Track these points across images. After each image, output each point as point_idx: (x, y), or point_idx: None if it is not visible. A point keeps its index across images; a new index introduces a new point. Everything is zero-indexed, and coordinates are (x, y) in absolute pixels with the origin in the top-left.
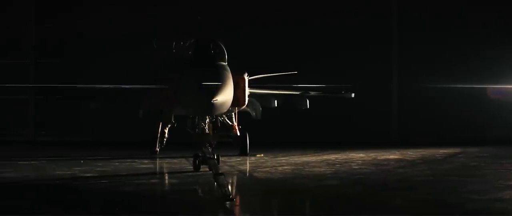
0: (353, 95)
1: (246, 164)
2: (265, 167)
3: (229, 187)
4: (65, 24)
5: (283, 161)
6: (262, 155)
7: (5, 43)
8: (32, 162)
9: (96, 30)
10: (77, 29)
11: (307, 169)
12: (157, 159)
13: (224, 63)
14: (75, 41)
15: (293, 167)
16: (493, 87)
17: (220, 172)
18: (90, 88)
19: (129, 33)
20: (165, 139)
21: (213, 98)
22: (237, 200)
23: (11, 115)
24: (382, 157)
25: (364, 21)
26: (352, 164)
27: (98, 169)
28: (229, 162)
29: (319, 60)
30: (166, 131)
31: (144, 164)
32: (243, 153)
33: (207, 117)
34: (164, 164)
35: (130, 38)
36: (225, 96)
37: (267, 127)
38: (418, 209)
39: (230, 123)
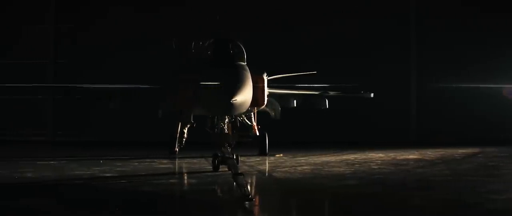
0: (372, 95)
1: (265, 164)
2: (284, 167)
3: (248, 187)
4: (82, 24)
5: (302, 161)
6: (281, 155)
7: (23, 43)
8: (51, 162)
9: (113, 30)
10: (96, 29)
11: (326, 169)
12: (176, 159)
13: (243, 63)
14: (93, 41)
15: (312, 167)
16: (510, 87)
17: (239, 172)
18: (109, 88)
19: (147, 33)
20: (184, 139)
21: (232, 98)
22: (256, 200)
23: (29, 115)
24: (401, 157)
25: (382, 22)
26: (371, 164)
27: (117, 169)
28: (248, 162)
29: (338, 60)
30: (185, 131)
31: (163, 164)
32: (262, 153)
33: (226, 117)
34: (183, 164)
35: (148, 38)
36: (245, 96)
37: (286, 127)
38: (438, 209)
39: (249, 123)
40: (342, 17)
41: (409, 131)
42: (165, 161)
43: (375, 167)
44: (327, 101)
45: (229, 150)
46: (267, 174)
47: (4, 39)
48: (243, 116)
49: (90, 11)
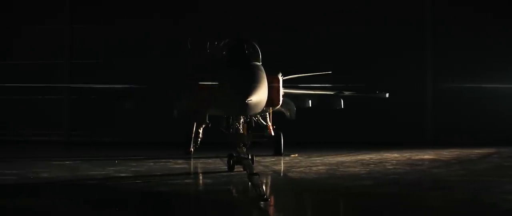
0: (387, 95)
1: (280, 164)
2: (299, 167)
3: (264, 187)
4: (97, 24)
5: (318, 161)
6: (297, 155)
7: (40, 44)
8: (67, 162)
9: (128, 30)
10: (110, 29)
11: (341, 169)
12: (192, 159)
13: (258, 63)
14: (108, 41)
15: (327, 167)
16: None
17: (254, 172)
18: (124, 88)
19: (163, 35)
20: (199, 139)
21: (247, 98)
22: (272, 200)
23: (43, 115)
24: (417, 157)
25: (399, 23)
26: (387, 164)
27: (132, 169)
28: (263, 162)
29: (353, 60)
30: (201, 131)
31: (178, 164)
32: (277, 153)
33: (241, 117)
34: (199, 164)
35: (163, 39)
36: (260, 96)
37: (301, 127)
38: (453, 210)
39: (265, 123)
40: (358, 18)
41: (425, 131)
42: (180, 161)
43: (390, 167)
44: (342, 101)
45: (244, 150)
46: (282, 174)
47: (19, 39)
48: (258, 116)
49: (104, 12)
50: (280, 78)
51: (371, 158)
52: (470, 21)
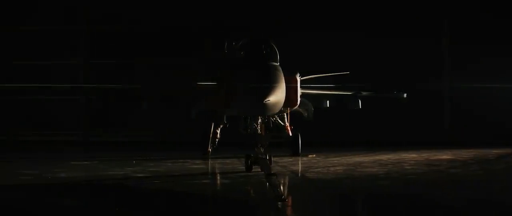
0: (405, 95)
1: (298, 164)
2: (317, 168)
3: (281, 187)
4: (114, 24)
5: (335, 161)
6: (314, 155)
7: (57, 44)
8: (85, 162)
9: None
10: (127, 30)
11: (359, 170)
12: (209, 160)
13: (276, 64)
14: (124, 41)
15: (345, 167)
16: None
17: (272, 172)
18: (142, 88)
19: (180, 33)
20: (217, 140)
21: (265, 98)
22: (289, 200)
23: (63, 115)
24: (435, 158)
25: (415, 24)
26: (404, 164)
27: (150, 169)
28: (281, 163)
29: (371, 61)
30: (218, 131)
31: (196, 165)
32: (295, 153)
33: (259, 117)
34: (216, 164)
35: (179, 38)
36: (277, 97)
37: (319, 127)
38: (472, 210)
39: (282, 124)
40: (375, 19)
41: (442, 131)
42: (198, 161)
43: (408, 167)
44: (360, 101)
45: (262, 150)
46: (300, 175)
47: (37, 39)
48: (276, 116)
49: (120, 12)
50: (298, 78)
51: (389, 159)
52: (486, 25)
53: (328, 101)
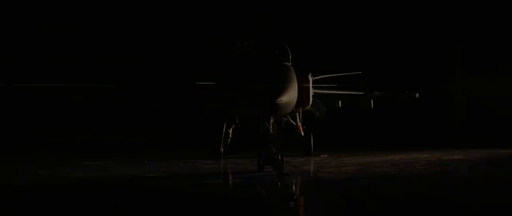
0: (417, 95)
1: (310, 164)
2: (329, 168)
3: (293, 187)
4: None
5: (347, 161)
6: (326, 155)
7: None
8: (97, 162)
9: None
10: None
11: (371, 169)
12: (221, 160)
13: (288, 64)
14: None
15: (357, 167)
16: None
17: (284, 172)
18: (153, 88)
19: (192, 33)
20: (229, 140)
21: (277, 98)
22: (301, 200)
23: (74, 115)
24: (446, 158)
25: (428, 24)
26: (416, 164)
27: (162, 169)
28: (293, 163)
29: (382, 61)
30: (230, 131)
31: (208, 165)
32: (307, 153)
33: (271, 117)
34: (228, 164)
35: (192, 38)
36: (289, 97)
37: (331, 128)
38: (485, 209)
39: (294, 124)
40: (387, 19)
41: (454, 132)
42: (210, 161)
43: (420, 167)
44: (372, 101)
45: (274, 150)
46: (312, 175)
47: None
48: (288, 116)
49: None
50: (310, 78)
51: (400, 159)
52: (499, 24)
53: (340, 101)
